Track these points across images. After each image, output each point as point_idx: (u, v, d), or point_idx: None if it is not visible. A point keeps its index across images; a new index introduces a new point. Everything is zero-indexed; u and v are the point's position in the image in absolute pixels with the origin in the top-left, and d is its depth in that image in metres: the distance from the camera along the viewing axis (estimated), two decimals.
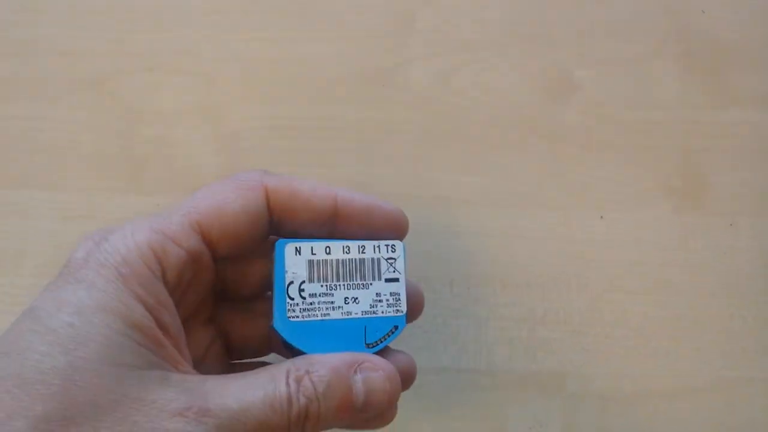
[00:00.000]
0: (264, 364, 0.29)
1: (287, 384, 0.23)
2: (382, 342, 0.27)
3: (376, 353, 0.26)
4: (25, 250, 0.35)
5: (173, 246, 0.24)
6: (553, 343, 0.35)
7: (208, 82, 0.38)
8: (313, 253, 0.27)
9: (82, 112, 0.37)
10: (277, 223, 0.27)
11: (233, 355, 0.29)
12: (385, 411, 0.25)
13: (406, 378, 0.27)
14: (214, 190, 0.25)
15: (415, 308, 0.29)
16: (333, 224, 0.27)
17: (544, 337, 0.35)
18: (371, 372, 0.25)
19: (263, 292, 0.29)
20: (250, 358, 0.30)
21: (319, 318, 0.26)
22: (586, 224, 0.37)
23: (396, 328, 0.27)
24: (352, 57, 0.38)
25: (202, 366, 0.27)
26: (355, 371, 0.24)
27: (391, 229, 0.28)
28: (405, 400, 0.34)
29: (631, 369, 0.35)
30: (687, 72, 0.38)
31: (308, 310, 0.26)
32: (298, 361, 0.24)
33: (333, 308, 0.27)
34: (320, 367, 0.24)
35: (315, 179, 0.27)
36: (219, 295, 0.28)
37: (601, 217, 0.37)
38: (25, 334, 0.21)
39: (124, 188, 0.36)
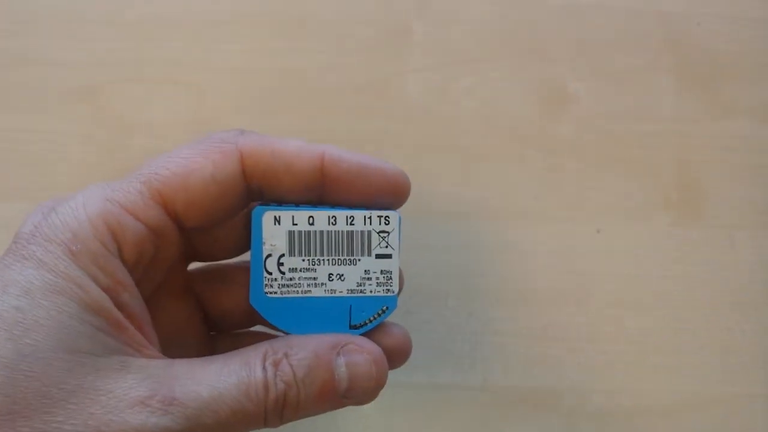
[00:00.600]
0: (250, 336, 0.27)
1: (264, 368, 0.21)
2: (368, 324, 0.24)
3: (363, 335, 0.24)
4: None
5: (130, 219, 0.21)
6: (550, 359, 0.35)
7: (200, 94, 0.37)
8: (294, 223, 0.23)
9: (71, 123, 0.37)
10: (257, 191, 0.24)
11: (214, 328, 0.27)
12: (370, 397, 0.23)
13: (400, 354, 0.25)
14: (181, 155, 0.22)
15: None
16: (321, 189, 0.24)
17: (541, 352, 0.35)
18: (355, 355, 0.22)
19: (240, 254, 0.26)
20: (233, 330, 0.27)
21: (300, 295, 0.24)
22: (583, 238, 0.36)
23: (386, 309, 0.24)
24: (347, 68, 0.38)
25: (180, 342, 0.25)
26: (338, 354, 0.22)
27: (389, 192, 0.24)
28: (399, 416, 0.34)
29: (629, 385, 0.35)
30: (683, 84, 0.38)
31: (288, 286, 0.24)
32: (276, 343, 0.22)
33: (315, 285, 0.24)
34: (300, 349, 0.22)
35: (299, 138, 0.24)
36: (191, 261, 0.26)
37: (598, 230, 0.36)
38: None
39: None
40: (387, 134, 0.37)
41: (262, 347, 0.22)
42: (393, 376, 0.34)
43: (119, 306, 0.21)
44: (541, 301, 0.35)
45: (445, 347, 0.35)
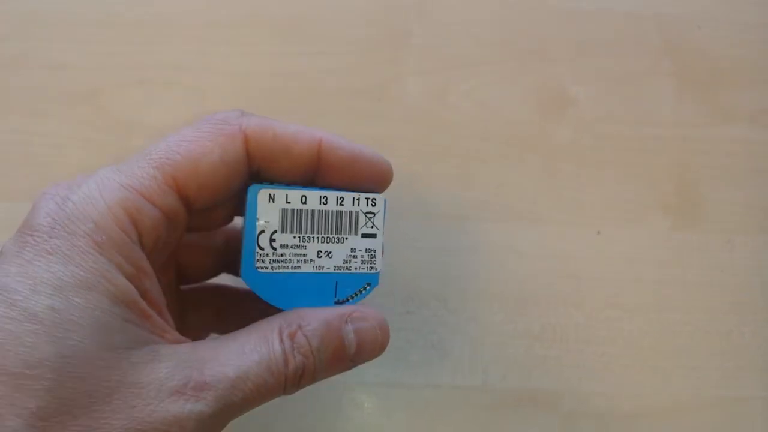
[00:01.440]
0: (217, 288, 0.29)
1: (281, 342, 0.22)
2: (352, 299, 0.25)
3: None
4: None
5: (148, 206, 0.21)
6: (549, 361, 0.35)
7: (200, 96, 0.37)
8: (287, 202, 0.24)
9: (72, 125, 0.37)
10: (256, 171, 0.24)
11: (183, 281, 0.28)
12: (374, 358, 0.24)
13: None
14: (188, 137, 0.22)
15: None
16: (315, 172, 0.25)
17: (541, 354, 0.35)
18: (362, 322, 0.24)
19: (227, 224, 0.27)
20: (199, 281, 0.28)
21: (289, 270, 0.24)
22: (582, 241, 0.36)
23: (368, 285, 0.26)
24: (347, 71, 0.38)
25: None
26: (347, 321, 0.23)
27: (376, 180, 0.25)
28: (399, 417, 0.34)
29: (628, 387, 0.35)
30: (683, 88, 0.38)
31: (278, 261, 0.24)
32: (288, 316, 0.23)
33: (305, 261, 0.25)
34: (312, 320, 0.23)
35: (297, 123, 0.25)
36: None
37: (598, 233, 0.36)
38: (1, 321, 0.18)
39: None
40: (386, 137, 0.37)
41: (276, 322, 0.22)
42: (393, 376, 0.34)
43: (142, 294, 0.21)
44: (541, 303, 0.35)
45: (444, 348, 0.35)
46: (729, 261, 0.36)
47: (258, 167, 0.24)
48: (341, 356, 0.23)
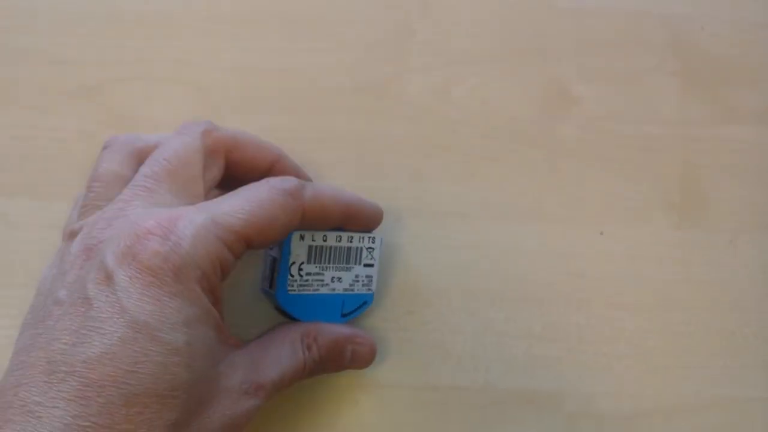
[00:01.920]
0: None
1: (303, 352, 0.30)
2: (353, 313, 0.33)
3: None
4: (15, 259, 0.35)
5: (231, 256, 0.27)
6: (551, 360, 0.35)
7: (202, 92, 0.37)
8: (313, 240, 0.32)
9: (73, 120, 0.37)
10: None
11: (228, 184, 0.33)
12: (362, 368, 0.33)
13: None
14: (262, 203, 0.27)
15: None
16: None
17: (542, 353, 0.35)
18: (360, 346, 0.32)
19: None
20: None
21: (311, 292, 0.32)
22: (584, 239, 0.36)
23: (365, 303, 0.33)
24: (350, 68, 0.38)
25: None
26: (349, 344, 0.32)
27: (371, 225, 0.33)
28: (400, 417, 0.34)
29: (630, 387, 0.35)
30: (686, 87, 0.38)
31: (303, 285, 0.32)
32: (310, 326, 0.31)
33: (322, 285, 0.32)
34: (326, 336, 0.31)
35: (335, 186, 0.32)
36: None
37: (601, 232, 0.36)
38: (149, 352, 0.23)
39: None
40: (389, 134, 0.37)
41: (299, 331, 0.30)
42: (394, 376, 0.34)
43: (221, 316, 0.27)
44: (543, 302, 0.35)
45: (446, 348, 0.35)
46: (732, 260, 0.36)
47: (303, 225, 0.30)
48: (339, 365, 0.32)
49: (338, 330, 0.31)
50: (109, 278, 0.24)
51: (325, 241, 0.32)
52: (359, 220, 0.32)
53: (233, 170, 0.31)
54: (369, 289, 0.33)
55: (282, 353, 0.29)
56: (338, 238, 0.32)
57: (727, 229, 0.37)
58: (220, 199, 0.28)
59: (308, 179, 0.34)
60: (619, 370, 0.35)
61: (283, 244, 0.31)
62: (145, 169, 0.28)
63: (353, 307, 0.33)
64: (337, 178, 0.36)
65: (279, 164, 0.32)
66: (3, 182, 0.36)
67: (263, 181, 0.29)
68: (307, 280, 0.32)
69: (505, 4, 0.39)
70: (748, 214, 0.37)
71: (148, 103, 0.37)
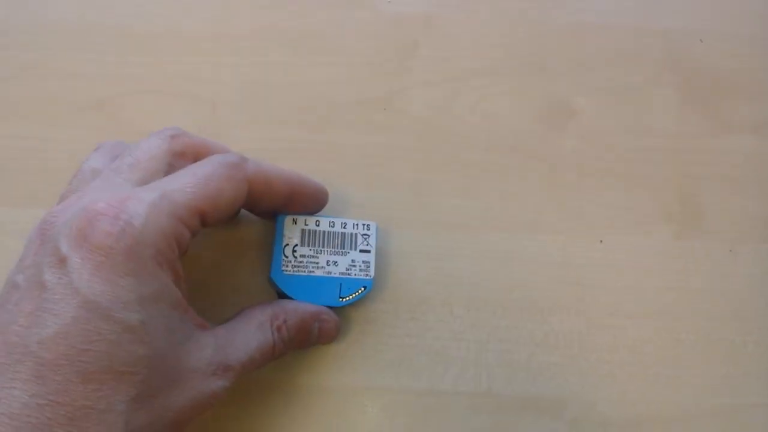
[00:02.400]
0: None
1: (272, 333, 0.30)
2: (351, 298, 0.33)
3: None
4: None
5: (186, 231, 0.27)
6: (553, 368, 0.35)
7: (209, 106, 0.38)
8: (305, 224, 0.33)
9: (83, 133, 0.37)
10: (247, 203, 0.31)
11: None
12: (327, 344, 0.34)
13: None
14: (209, 176, 0.28)
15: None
16: (286, 204, 0.33)
17: (544, 361, 0.35)
18: (325, 323, 0.33)
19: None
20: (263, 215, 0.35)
21: (306, 273, 0.33)
22: (585, 249, 0.37)
23: (364, 288, 0.34)
24: (354, 82, 0.39)
25: None
26: (316, 321, 0.32)
27: (317, 206, 0.34)
28: (402, 422, 0.34)
29: (631, 395, 0.35)
30: (685, 100, 0.39)
31: (298, 266, 0.33)
32: (277, 308, 0.31)
33: (317, 267, 0.33)
34: (293, 315, 0.31)
35: (278, 165, 0.32)
36: None
37: (601, 241, 0.37)
38: (102, 331, 0.24)
39: None
40: (392, 146, 0.38)
41: (267, 313, 0.31)
42: (397, 382, 0.34)
43: (183, 294, 0.27)
44: (544, 311, 0.36)
45: (449, 354, 0.35)
46: (732, 270, 0.37)
47: (248, 202, 0.31)
48: (306, 342, 0.32)
49: (304, 308, 0.32)
50: (62, 261, 0.24)
51: (317, 225, 0.33)
52: (304, 197, 0.33)
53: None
54: (367, 275, 0.34)
55: (250, 336, 0.29)
56: (331, 224, 0.34)
57: (726, 239, 0.37)
58: (169, 177, 0.28)
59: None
60: (621, 378, 0.35)
61: (275, 228, 0.33)
62: (111, 164, 0.30)
63: (351, 291, 0.33)
64: (341, 189, 0.37)
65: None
66: (14, 194, 0.36)
67: (208, 158, 0.30)
68: (301, 262, 0.33)
69: (506, 20, 0.40)
70: (746, 224, 0.37)
71: (157, 116, 0.38)
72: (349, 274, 0.33)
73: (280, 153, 0.37)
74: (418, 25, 0.39)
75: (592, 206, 0.37)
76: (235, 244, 0.36)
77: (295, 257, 0.33)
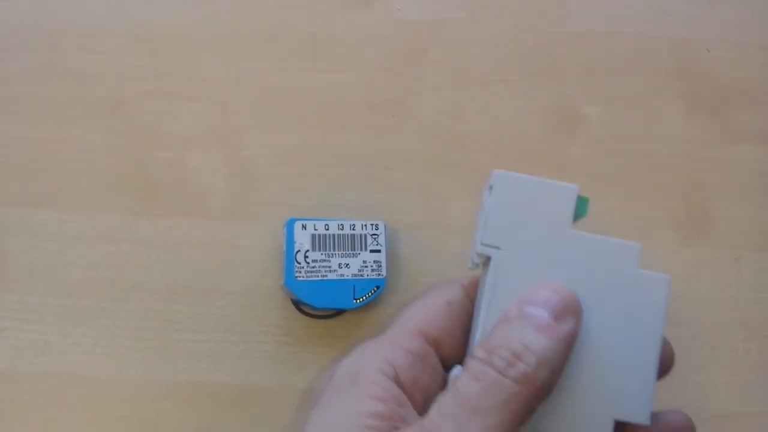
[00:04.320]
0: None
1: None
2: (366, 298, 0.34)
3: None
4: (37, 268, 0.36)
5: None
6: None
7: (222, 109, 0.38)
8: (315, 229, 0.34)
9: (97, 134, 0.38)
10: None
11: None
12: None
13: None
14: (439, 312, 0.27)
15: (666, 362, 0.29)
16: None
17: None
18: None
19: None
20: None
21: (319, 278, 0.33)
22: None
23: (378, 287, 0.34)
24: (365, 87, 0.39)
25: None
26: None
27: None
28: None
29: None
30: (691, 108, 0.39)
31: (311, 271, 0.33)
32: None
33: (330, 271, 0.33)
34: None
35: None
36: None
37: None
38: None
39: (137, 210, 0.37)
40: (402, 150, 0.38)
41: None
42: None
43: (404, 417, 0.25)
44: None
45: None
46: (737, 277, 0.37)
47: None
48: None
49: None
50: None
51: (327, 229, 0.34)
52: None
53: None
54: (379, 275, 0.34)
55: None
56: (340, 226, 0.34)
57: (732, 247, 0.37)
58: None
59: None
60: None
61: (285, 234, 0.33)
62: None
63: (365, 292, 0.34)
64: (350, 193, 0.37)
65: None
66: (27, 193, 0.37)
67: None
68: (314, 267, 0.33)
69: (516, 27, 0.40)
70: (752, 232, 0.38)
71: (170, 118, 0.38)
72: (361, 275, 0.34)
73: (290, 156, 0.38)
74: (429, 31, 0.40)
75: (598, 212, 0.37)
76: (242, 248, 0.36)
77: (308, 263, 0.33)
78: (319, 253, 0.34)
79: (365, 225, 0.34)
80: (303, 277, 0.33)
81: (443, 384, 0.27)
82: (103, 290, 0.35)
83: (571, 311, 0.24)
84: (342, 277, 0.34)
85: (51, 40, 0.39)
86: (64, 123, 0.38)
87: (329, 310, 0.35)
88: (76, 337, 0.35)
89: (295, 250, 0.33)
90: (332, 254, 0.34)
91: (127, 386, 0.34)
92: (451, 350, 0.27)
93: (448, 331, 0.26)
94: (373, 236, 0.34)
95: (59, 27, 0.39)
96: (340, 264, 0.34)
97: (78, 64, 0.39)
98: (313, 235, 0.34)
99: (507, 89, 0.39)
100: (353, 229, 0.34)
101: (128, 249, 0.36)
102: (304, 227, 0.34)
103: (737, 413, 0.35)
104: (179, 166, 0.37)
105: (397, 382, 0.25)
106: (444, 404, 0.23)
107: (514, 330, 0.24)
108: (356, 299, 0.34)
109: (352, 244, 0.34)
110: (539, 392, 0.23)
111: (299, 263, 0.33)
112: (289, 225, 0.34)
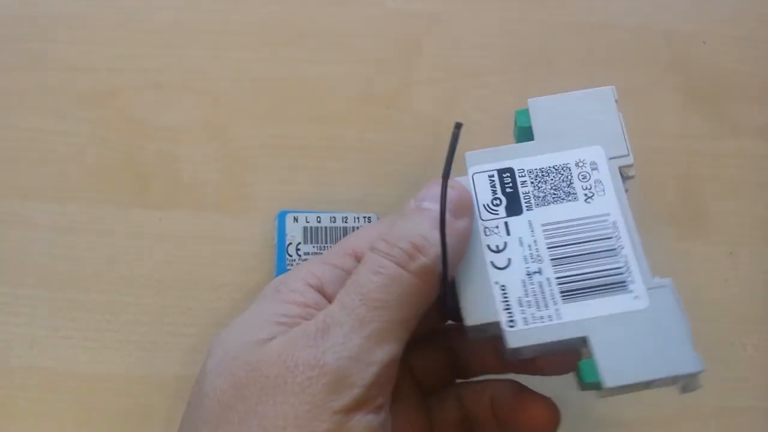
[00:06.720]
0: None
1: None
2: None
3: None
4: (27, 261, 0.35)
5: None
6: None
7: (214, 100, 0.38)
8: (307, 221, 0.34)
9: (88, 125, 0.37)
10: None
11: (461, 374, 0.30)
12: None
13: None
14: None
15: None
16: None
17: None
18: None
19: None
20: (437, 387, 0.30)
21: None
22: None
23: None
24: (359, 79, 0.39)
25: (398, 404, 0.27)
26: None
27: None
28: None
29: (632, 395, 0.35)
30: (688, 102, 0.39)
31: None
32: None
33: None
34: None
35: None
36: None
37: None
38: None
39: (129, 202, 0.36)
40: (396, 143, 0.38)
41: None
42: None
43: None
44: None
45: None
46: (733, 272, 0.37)
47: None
48: None
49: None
50: None
51: (319, 222, 0.34)
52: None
53: None
54: None
55: None
56: (332, 219, 0.34)
57: (727, 242, 0.37)
58: None
59: None
60: None
61: (277, 227, 0.33)
62: None
63: None
64: (344, 186, 0.37)
65: None
66: (17, 184, 0.36)
67: None
68: (306, 260, 0.33)
69: (511, 19, 0.40)
70: (748, 227, 0.37)
71: (161, 110, 0.38)
72: None
73: (282, 149, 0.37)
74: (423, 23, 0.39)
75: None
76: (234, 241, 0.36)
77: (299, 255, 0.33)
78: (311, 245, 0.33)
79: (358, 218, 0.34)
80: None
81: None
82: (94, 283, 0.35)
83: (467, 208, 0.26)
84: None
85: (41, 31, 0.39)
86: (55, 114, 0.37)
87: None
88: (66, 330, 0.34)
89: (287, 242, 0.33)
90: (324, 247, 0.33)
91: (117, 380, 0.34)
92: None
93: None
94: None
95: (49, 18, 0.39)
96: None
97: (68, 55, 0.38)
98: (305, 228, 0.33)
99: (502, 82, 0.39)
100: (346, 222, 0.34)
101: (119, 241, 0.36)
102: (295, 220, 0.33)
103: (734, 409, 0.35)
104: (171, 158, 0.37)
105: (322, 293, 0.24)
106: (346, 300, 0.23)
107: (412, 223, 0.24)
108: None
109: (345, 236, 0.33)
110: (437, 287, 0.24)
111: (291, 256, 0.33)
112: (281, 217, 0.33)
